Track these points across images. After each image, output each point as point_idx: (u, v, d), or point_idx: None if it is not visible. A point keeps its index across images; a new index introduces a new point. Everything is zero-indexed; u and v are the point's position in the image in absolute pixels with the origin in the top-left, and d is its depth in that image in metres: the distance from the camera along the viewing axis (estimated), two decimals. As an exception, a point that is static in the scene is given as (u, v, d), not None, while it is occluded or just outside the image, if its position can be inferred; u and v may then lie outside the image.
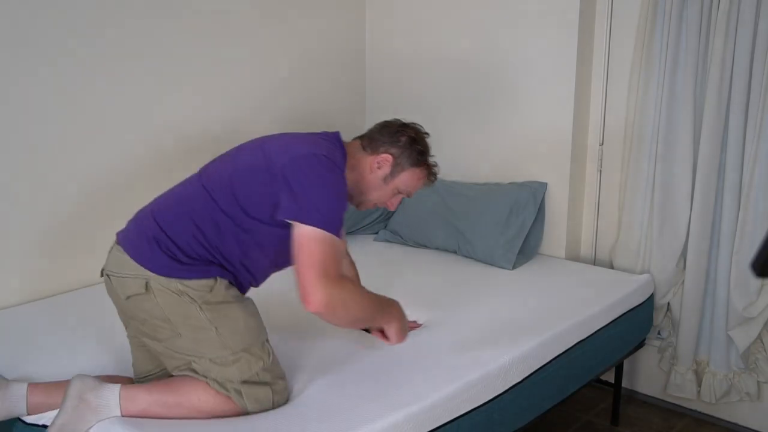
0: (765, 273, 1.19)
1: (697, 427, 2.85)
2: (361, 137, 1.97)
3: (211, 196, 1.77)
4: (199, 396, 1.70)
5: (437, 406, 1.80)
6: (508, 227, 2.86)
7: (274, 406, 1.76)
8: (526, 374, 2.09)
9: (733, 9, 2.47)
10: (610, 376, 2.84)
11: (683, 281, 2.78)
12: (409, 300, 2.45)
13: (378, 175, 1.92)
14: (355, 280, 2.18)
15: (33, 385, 1.76)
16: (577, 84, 2.86)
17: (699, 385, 2.82)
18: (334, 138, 1.90)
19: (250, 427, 1.67)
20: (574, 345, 2.29)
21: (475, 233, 2.90)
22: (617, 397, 2.85)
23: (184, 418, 1.70)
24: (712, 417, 2.87)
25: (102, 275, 1.84)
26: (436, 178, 2.02)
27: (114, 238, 1.85)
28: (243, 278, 1.84)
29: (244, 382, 1.72)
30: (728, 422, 2.83)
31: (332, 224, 1.69)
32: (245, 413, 1.73)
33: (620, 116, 2.88)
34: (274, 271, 1.93)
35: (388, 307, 1.88)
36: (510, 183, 3.03)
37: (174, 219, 1.76)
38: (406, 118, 2.05)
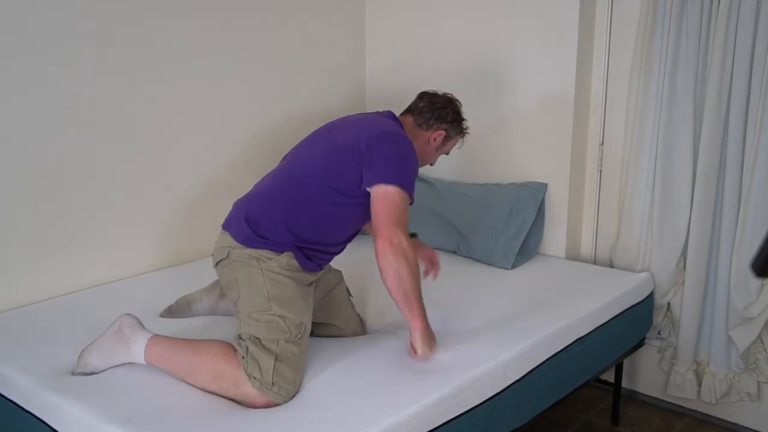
0: (765, 273, 1.19)
1: (697, 427, 2.85)
2: (411, 113, 2.30)
3: (299, 180, 2.07)
4: (218, 357, 1.87)
5: (438, 405, 1.80)
6: (507, 227, 2.86)
7: (266, 385, 1.81)
8: (526, 371, 2.09)
9: (733, 9, 2.47)
10: (610, 376, 2.84)
11: (683, 281, 2.78)
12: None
13: (433, 146, 2.31)
14: None
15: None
16: (577, 84, 2.86)
17: (699, 385, 2.82)
18: (391, 116, 2.27)
19: (249, 427, 1.67)
20: (574, 342, 2.30)
21: (474, 233, 2.90)
22: (617, 397, 2.85)
23: (185, 371, 1.86)
24: (712, 417, 2.87)
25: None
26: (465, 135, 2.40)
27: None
28: (317, 256, 2.08)
29: (259, 340, 1.88)
30: (728, 422, 2.83)
31: (409, 186, 2.02)
32: (238, 395, 1.82)
33: (620, 116, 2.88)
34: (345, 243, 2.18)
35: (423, 308, 2.02)
36: (510, 183, 3.03)
37: (262, 204, 2.07)
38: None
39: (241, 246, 2.01)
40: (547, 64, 2.90)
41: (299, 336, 1.91)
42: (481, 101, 3.11)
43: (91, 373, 1.92)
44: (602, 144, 2.97)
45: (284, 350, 1.87)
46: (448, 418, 1.83)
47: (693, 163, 2.68)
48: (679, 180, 2.71)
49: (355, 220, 2.12)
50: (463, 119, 2.35)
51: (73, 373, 1.93)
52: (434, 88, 2.38)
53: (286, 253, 2.00)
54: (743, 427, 2.80)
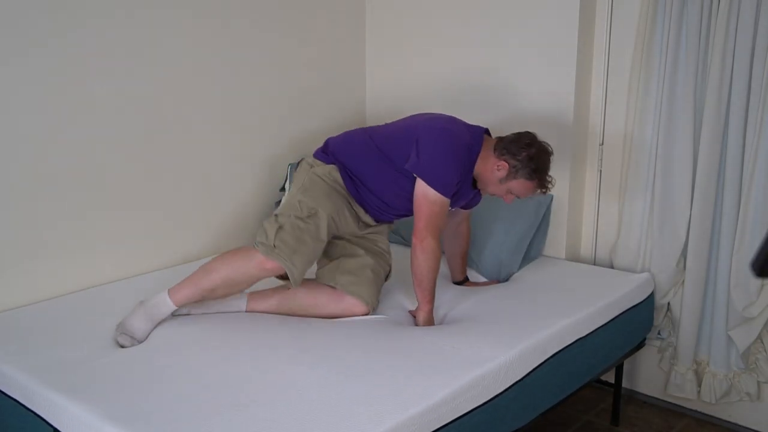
0: (765, 273, 1.19)
1: (697, 427, 2.85)
2: (499, 138, 2.40)
3: (371, 137, 2.43)
4: (231, 250, 2.27)
5: (440, 406, 1.80)
6: (508, 238, 2.80)
7: (268, 248, 2.16)
8: (527, 371, 2.09)
9: (733, 9, 2.47)
10: (610, 376, 2.84)
11: (683, 281, 2.78)
12: (410, 300, 2.46)
13: (496, 175, 2.36)
14: (465, 233, 2.71)
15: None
16: (577, 84, 2.86)
17: (699, 385, 2.82)
18: (477, 130, 2.42)
19: (248, 425, 1.67)
20: (574, 343, 2.30)
21: (475, 243, 2.84)
22: (617, 397, 2.85)
23: (205, 273, 2.18)
24: (712, 417, 2.87)
25: None
26: (547, 191, 2.44)
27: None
28: (357, 186, 2.40)
29: (276, 217, 2.26)
30: (728, 422, 2.83)
31: (447, 189, 2.27)
32: (251, 268, 2.17)
33: (620, 116, 2.88)
34: (385, 209, 2.45)
35: (433, 296, 2.35)
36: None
37: (337, 139, 2.51)
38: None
39: (311, 158, 2.46)
40: (547, 63, 2.89)
41: (309, 216, 2.25)
42: (481, 103, 3.11)
43: (131, 339, 2.10)
44: (602, 144, 2.97)
45: (290, 223, 2.23)
46: (449, 420, 1.83)
47: (693, 163, 2.68)
48: (679, 180, 2.71)
49: (396, 196, 2.37)
50: (540, 168, 2.34)
51: (117, 339, 2.10)
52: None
53: (332, 165, 2.39)
54: (743, 427, 2.80)
